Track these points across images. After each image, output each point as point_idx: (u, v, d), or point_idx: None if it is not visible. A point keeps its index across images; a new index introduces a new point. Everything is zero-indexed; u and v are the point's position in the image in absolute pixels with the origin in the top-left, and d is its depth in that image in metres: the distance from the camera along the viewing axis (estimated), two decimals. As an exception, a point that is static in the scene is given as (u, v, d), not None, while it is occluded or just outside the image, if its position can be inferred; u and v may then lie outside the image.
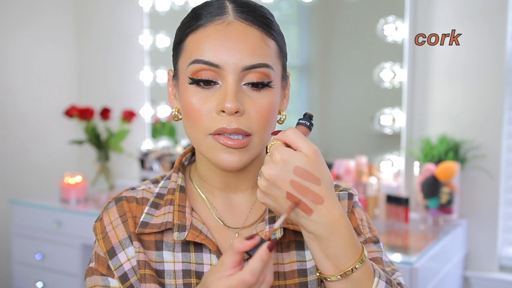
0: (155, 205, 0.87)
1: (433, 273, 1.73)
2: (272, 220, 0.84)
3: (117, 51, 2.93)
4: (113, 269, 0.83)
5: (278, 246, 0.84)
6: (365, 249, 0.71)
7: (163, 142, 2.84)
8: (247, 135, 0.78)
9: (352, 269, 0.69)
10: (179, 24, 0.84)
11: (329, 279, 0.70)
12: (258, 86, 0.78)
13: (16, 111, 2.80)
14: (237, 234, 0.85)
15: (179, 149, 2.75)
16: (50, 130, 2.96)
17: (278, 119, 0.86)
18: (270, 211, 0.85)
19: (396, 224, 2.00)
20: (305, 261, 0.84)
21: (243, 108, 0.77)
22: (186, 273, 0.83)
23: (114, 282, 0.83)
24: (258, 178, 0.70)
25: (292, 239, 0.85)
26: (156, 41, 2.79)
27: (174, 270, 0.83)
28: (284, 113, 0.87)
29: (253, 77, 0.78)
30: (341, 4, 2.37)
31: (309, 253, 0.85)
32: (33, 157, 2.88)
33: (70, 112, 2.64)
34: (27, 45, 2.84)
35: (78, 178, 2.43)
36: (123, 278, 0.83)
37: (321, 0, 2.42)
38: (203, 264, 0.83)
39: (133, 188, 0.91)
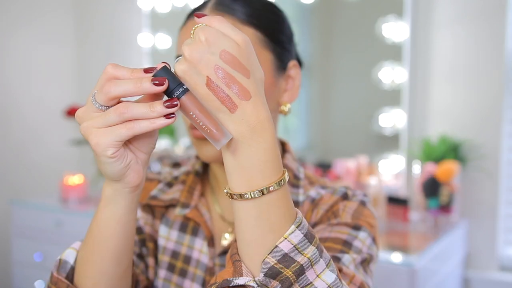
0: (169, 185, 0.89)
1: (433, 273, 1.73)
2: None
3: (117, 52, 2.93)
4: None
5: None
6: (286, 173, 0.58)
7: (163, 142, 2.84)
8: None
9: (264, 190, 0.56)
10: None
11: (235, 197, 0.57)
12: None
13: (16, 111, 2.80)
14: (230, 229, 0.85)
15: (179, 149, 2.75)
16: (50, 130, 2.96)
17: (281, 109, 0.82)
18: None
19: (396, 224, 2.00)
20: None
21: None
22: (175, 254, 0.84)
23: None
24: (175, 62, 0.57)
25: None
26: (155, 42, 2.79)
27: (165, 247, 0.85)
28: (288, 105, 0.82)
29: None
30: (341, 4, 2.37)
31: None
32: (33, 157, 2.88)
33: (70, 112, 2.64)
34: (27, 45, 2.84)
35: (78, 178, 2.43)
36: (138, 230, 0.85)
37: (321, 0, 2.42)
38: (193, 248, 0.83)
39: (159, 173, 0.94)
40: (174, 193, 0.87)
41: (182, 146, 2.80)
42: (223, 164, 0.74)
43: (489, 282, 2.05)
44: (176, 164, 0.98)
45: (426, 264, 1.63)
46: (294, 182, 0.86)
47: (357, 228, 0.76)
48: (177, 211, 0.84)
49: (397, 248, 1.73)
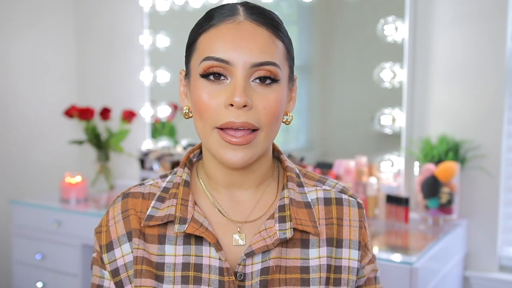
0: (161, 199, 0.90)
1: (433, 273, 1.73)
2: (283, 219, 0.86)
3: (117, 51, 2.93)
4: (106, 262, 0.88)
5: (283, 241, 0.86)
6: None
7: (163, 142, 2.84)
8: (254, 129, 0.80)
9: None
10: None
11: None
12: (265, 81, 0.81)
13: (16, 111, 2.80)
14: (239, 228, 0.87)
15: (179, 149, 2.75)
16: (50, 130, 2.96)
17: (284, 120, 0.89)
18: (280, 210, 0.87)
19: (396, 224, 2.00)
20: (308, 259, 0.86)
21: (251, 103, 0.79)
22: (185, 266, 0.85)
23: (107, 274, 0.89)
24: None
25: (298, 237, 0.87)
26: (156, 41, 2.79)
27: (175, 263, 0.85)
28: (290, 114, 0.89)
29: (261, 73, 0.80)
30: (341, 4, 2.37)
31: (313, 251, 0.87)
32: (33, 157, 2.88)
33: (70, 112, 2.64)
34: (28, 45, 2.84)
35: (78, 178, 2.43)
36: (114, 273, 0.87)
37: (321, 0, 2.42)
38: (202, 256, 0.85)
39: (141, 184, 0.94)
40: (169, 208, 0.87)
41: (182, 147, 2.80)
42: (243, 169, 0.86)
43: (489, 282, 2.06)
44: (164, 175, 0.97)
45: (425, 264, 1.64)
46: (299, 182, 0.92)
47: (375, 259, 0.95)
48: (176, 228, 0.85)
49: (397, 248, 1.73)
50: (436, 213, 2.00)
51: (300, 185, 0.92)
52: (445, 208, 1.99)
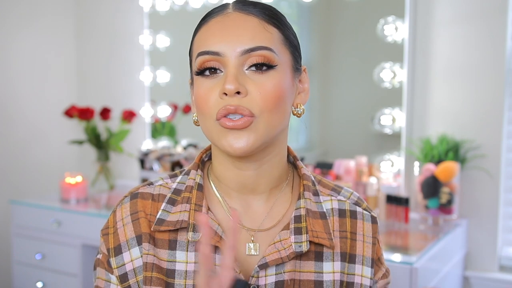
0: (172, 202, 0.86)
1: (433, 273, 1.73)
2: (298, 231, 0.83)
3: (118, 51, 2.93)
4: (114, 266, 0.84)
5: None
6: None
7: (163, 142, 2.84)
8: (250, 115, 0.77)
9: None
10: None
11: None
12: (261, 68, 0.78)
13: (16, 111, 2.80)
14: (252, 238, 0.85)
15: (179, 149, 2.75)
16: (50, 130, 2.96)
17: (295, 112, 0.86)
18: (296, 221, 0.84)
19: (396, 224, 2.00)
20: (322, 273, 0.84)
21: (245, 89, 0.77)
22: (197, 274, 0.83)
23: (114, 279, 0.84)
24: None
25: (312, 249, 0.84)
26: (156, 41, 2.79)
27: (186, 271, 0.82)
28: (302, 106, 0.86)
29: (253, 60, 0.78)
30: (341, 4, 2.38)
31: (327, 265, 0.84)
32: (33, 157, 2.88)
33: (70, 112, 2.64)
34: (28, 45, 2.84)
35: (78, 178, 2.43)
36: (123, 278, 0.83)
37: (321, 0, 2.42)
38: (215, 265, 0.82)
39: (150, 183, 0.90)
40: (181, 213, 0.84)
41: (182, 147, 2.80)
42: (255, 169, 0.83)
43: (489, 282, 2.05)
44: (173, 174, 0.94)
45: (426, 264, 1.64)
46: (314, 190, 0.89)
47: (388, 273, 0.94)
48: (190, 236, 0.82)
49: (397, 248, 1.73)
50: (436, 213, 2.00)
51: (316, 193, 0.88)
52: (445, 208, 1.99)
